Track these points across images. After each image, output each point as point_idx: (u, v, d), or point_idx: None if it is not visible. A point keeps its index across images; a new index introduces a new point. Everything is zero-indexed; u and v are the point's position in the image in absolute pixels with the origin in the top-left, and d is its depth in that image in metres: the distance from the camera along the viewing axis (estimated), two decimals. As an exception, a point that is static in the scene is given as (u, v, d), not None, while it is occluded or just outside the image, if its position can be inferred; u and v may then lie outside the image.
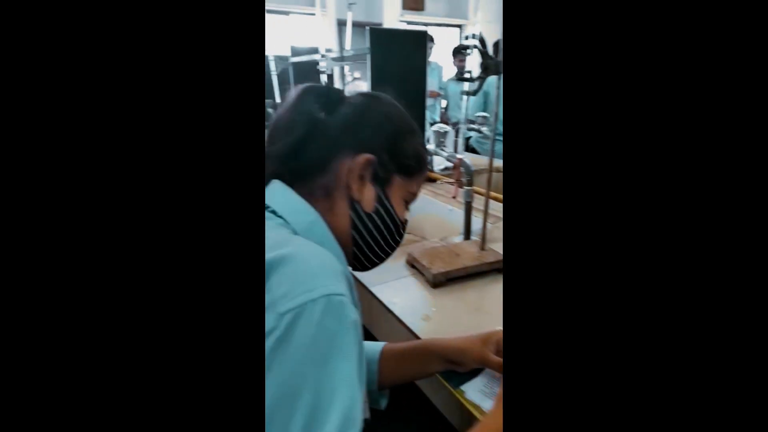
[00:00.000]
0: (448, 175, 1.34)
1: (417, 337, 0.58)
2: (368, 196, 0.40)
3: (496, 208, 1.11)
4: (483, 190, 0.79)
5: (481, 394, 0.46)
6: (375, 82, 1.19)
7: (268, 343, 0.27)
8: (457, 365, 0.48)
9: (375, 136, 0.40)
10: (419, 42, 1.29)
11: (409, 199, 0.44)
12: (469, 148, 2.31)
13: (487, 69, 0.69)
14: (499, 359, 0.46)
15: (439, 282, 0.71)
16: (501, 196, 1.17)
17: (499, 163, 1.65)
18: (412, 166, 0.42)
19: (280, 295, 0.29)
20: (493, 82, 0.71)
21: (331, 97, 0.41)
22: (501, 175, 1.56)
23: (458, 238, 0.89)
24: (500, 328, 0.54)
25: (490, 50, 0.70)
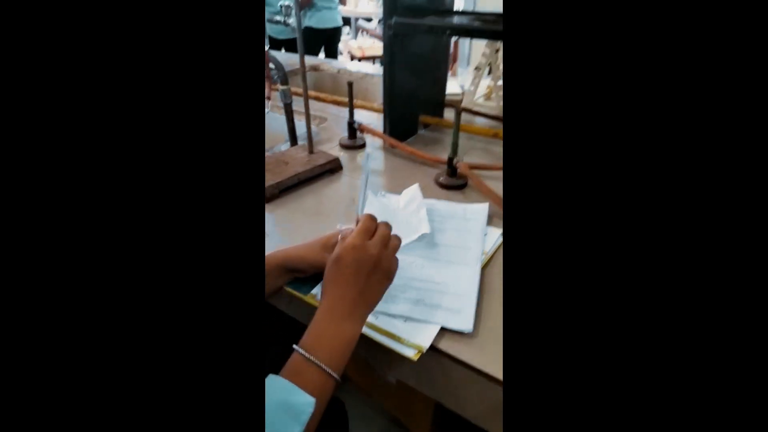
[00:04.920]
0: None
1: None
2: None
3: (319, 108, 1.07)
4: (300, 90, 0.73)
5: (332, 292, 0.46)
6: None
7: None
8: (300, 273, 0.47)
9: None
10: None
11: None
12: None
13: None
14: None
15: (272, 195, 0.66)
16: (322, 95, 1.12)
17: (314, 60, 1.55)
18: None
19: None
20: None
21: None
22: (320, 73, 1.49)
23: (285, 146, 0.83)
24: (339, 227, 0.53)
25: None
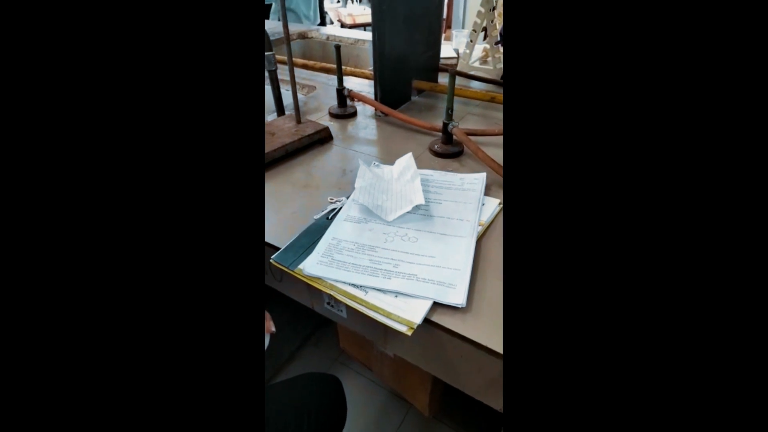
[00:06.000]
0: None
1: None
2: None
3: (308, 77, 1.02)
4: (284, 57, 0.68)
5: (321, 265, 0.44)
6: None
7: None
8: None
9: None
10: None
11: None
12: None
13: None
14: None
15: (258, 168, 0.63)
16: (310, 63, 1.07)
17: (303, 27, 1.48)
18: None
19: None
20: None
21: None
22: (308, 41, 1.42)
23: (271, 116, 0.79)
24: (330, 201, 0.51)
25: None
